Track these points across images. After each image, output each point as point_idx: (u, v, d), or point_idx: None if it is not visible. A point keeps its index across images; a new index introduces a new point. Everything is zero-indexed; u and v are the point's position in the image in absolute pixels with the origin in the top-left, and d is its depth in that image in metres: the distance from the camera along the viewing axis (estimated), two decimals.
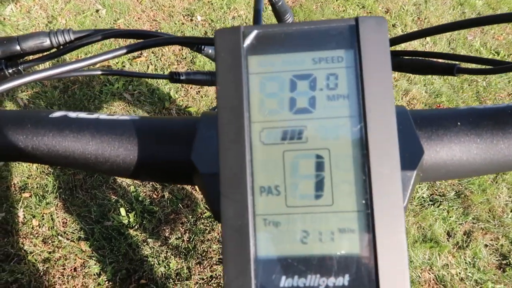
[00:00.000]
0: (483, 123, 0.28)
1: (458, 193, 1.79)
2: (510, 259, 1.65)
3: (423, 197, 1.75)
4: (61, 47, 0.38)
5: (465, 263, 1.62)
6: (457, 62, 0.32)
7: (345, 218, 0.23)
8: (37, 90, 1.75)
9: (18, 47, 0.36)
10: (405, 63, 0.34)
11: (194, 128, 0.28)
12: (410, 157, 0.25)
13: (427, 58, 0.33)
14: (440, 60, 0.34)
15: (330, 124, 0.24)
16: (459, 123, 0.28)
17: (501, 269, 1.64)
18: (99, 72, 0.38)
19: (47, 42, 0.37)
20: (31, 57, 0.39)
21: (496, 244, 1.69)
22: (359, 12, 2.40)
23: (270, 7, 0.74)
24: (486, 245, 1.68)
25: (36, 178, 1.59)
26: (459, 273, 1.60)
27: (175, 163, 0.29)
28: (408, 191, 0.25)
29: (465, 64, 0.34)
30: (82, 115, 0.31)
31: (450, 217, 1.71)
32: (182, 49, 1.99)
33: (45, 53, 0.39)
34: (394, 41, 0.32)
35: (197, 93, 1.87)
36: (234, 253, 0.23)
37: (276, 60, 0.25)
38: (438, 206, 1.73)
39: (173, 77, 0.42)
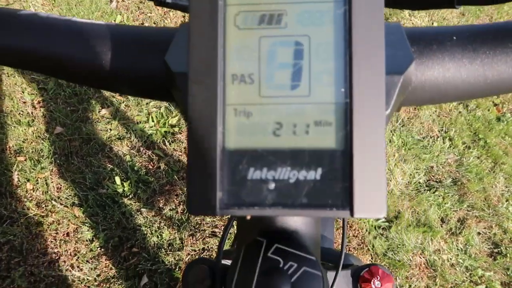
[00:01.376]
0: (481, 37, 0.26)
1: (455, 180, 1.79)
2: (501, 248, 1.66)
3: (419, 182, 1.75)
4: None
5: (457, 249, 1.63)
6: None
7: (321, 110, 0.22)
8: None
9: None
10: None
11: (172, 36, 0.26)
12: (398, 61, 0.24)
13: None
14: None
15: (312, 8, 0.22)
16: (454, 38, 0.26)
17: (492, 257, 1.65)
18: None
19: None
20: None
21: (489, 233, 1.70)
22: None
23: None
24: (479, 233, 1.68)
25: (31, 142, 1.58)
26: (450, 258, 1.60)
27: (151, 70, 0.27)
28: (393, 97, 0.23)
29: None
30: (54, 16, 0.29)
31: (445, 204, 1.71)
32: (185, 21, 1.95)
33: None
34: None
35: None
36: (199, 142, 0.21)
37: None
38: (434, 192, 1.73)
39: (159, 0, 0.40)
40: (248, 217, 0.24)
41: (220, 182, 0.21)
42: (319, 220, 0.32)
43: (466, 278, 1.57)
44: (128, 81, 0.28)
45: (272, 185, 0.21)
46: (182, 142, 1.66)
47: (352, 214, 0.21)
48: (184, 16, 1.94)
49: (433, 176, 1.79)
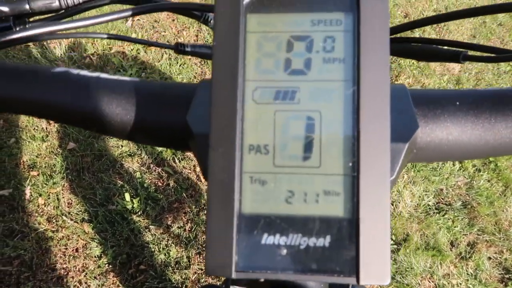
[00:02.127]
0: (482, 104, 0.28)
1: (465, 204, 1.77)
2: None
3: (428, 205, 1.73)
4: (69, 8, 0.38)
5: (467, 274, 1.60)
6: (463, 50, 0.32)
7: (331, 181, 0.23)
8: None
9: (27, 6, 0.37)
10: (413, 49, 0.34)
11: (192, 93, 0.28)
12: (403, 130, 0.25)
13: (434, 45, 0.33)
14: (446, 47, 0.34)
15: (323, 86, 0.24)
16: (457, 103, 0.28)
17: (503, 283, 1.62)
18: (105, 36, 0.39)
19: (55, 3, 0.37)
20: (39, 18, 0.39)
21: (500, 258, 1.67)
22: None
23: None
24: (489, 258, 1.66)
25: (45, 157, 1.61)
26: (460, 283, 1.58)
27: (172, 125, 0.29)
28: (398, 163, 0.25)
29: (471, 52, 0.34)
30: (84, 72, 0.31)
31: (454, 227, 1.69)
32: (197, 40, 1.99)
33: (53, 14, 0.39)
34: (399, 28, 0.32)
35: None
36: (218, 208, 0.23)
37: (275, 20, 0.25)
38: (443, 215, 1.71)
39: (178, 48, 0.43)
40: (261, 280, 0.25)
41: (236, 246, 0.23)
42: None
43: None
44: (150, 134, 0.30)
45: (284, 251, 0.23)
46: (192, 160, 1.68)
47: (358, 281, 0.22)
48: (196, 36, 1.98)
49: (442, 198, 1.77)
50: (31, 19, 0.38)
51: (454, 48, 0.33)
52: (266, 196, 0.23)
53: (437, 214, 1.71)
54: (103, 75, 0.31)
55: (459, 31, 2.39)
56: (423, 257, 1.59)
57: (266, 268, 0.23)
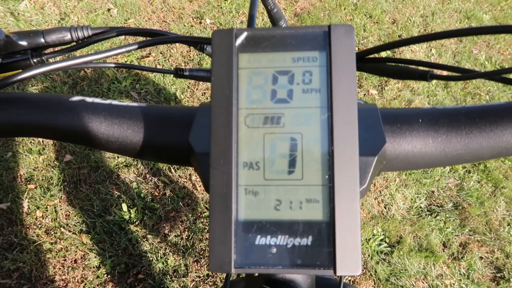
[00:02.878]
0: (440, 121, 0.32)
1: (456, 205, 1.81)
2: (504, 273, 1.66)
3: (420, 207, 1.77)
4: (80, 41, 0.43)
5: (460, 274, 1.64)
6: (430, 69, 0.36)
7: (311, 190, 0.28)
8: (47, 85, 1.80)
9: (42, 40, 0.41)
10: (387, 68, 0.38)
11: (193, 116, 0.33)
12: (373, 145, 0.30)
13: (405, 65, 0.37)
14: (415, 67, 0.38)
15: (303, 112, 0.29)
16: (420, 120, 0.32)
17: (495, 282, 1.65)
18: (112, 65, 0.43)
19: (68, 36, 0.41)
20: (52, 49, 0.43)
21: (492, 257, 1.70)
22: (366, 21, 2.43)
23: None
24: (481, 257, 1.69)
25: (42, 170, 1.63)
26: (453, 284, 1.61)
27: (175, 144, 0.34)
28: (368, 174, 0.29)
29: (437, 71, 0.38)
30: (97, 100, 0.36)
31: (446, 228, 1.73)
32: (190, 51, 2.03)
33: (66, 46, 0.43)
34: (374, 49, 0.36)
35: (202, 94, 1.90)
36: (219, 216, 0.27)
37: (262, 58, 0.30)
38: (435, 217, 1.75)
39: (178, 73, 0.47)
40: (256, 274, 0.29)
41: (235, 246, 0.27)
42: None
43: None
44: (156, 152, 0.35)
45: (274, 250, 0.27)
46: (187, 169, 1.71)
47: (335, 272, 0.27)
48: (189, 47, 2.02)
49: (434, 200, 1.81)
50: (46, 51, 0.42)
51: (423, 68, 0.37)
52: (258, 205, 0.28)
53: (429, 216, 1.75)
54: (115, 102, 0.36)
55: None
56: (416, 258, 1.63)
57: (260, 264, 0.27)
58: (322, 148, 0.28)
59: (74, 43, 0.43)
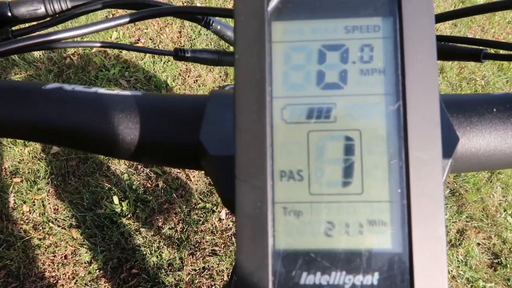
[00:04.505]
0: None
1: (453, 191, 1.80)
2: (501, 258, 1.66)
3: None
4: (57, 15, 0.35)
5: (457, 261, 1.63)
6: (483, 48, 0.30)
7: (376, 209, 0.21)
8: (31, 73, 1.71)
9: (9, 13, 0.33)
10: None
11: (202, 107, 0.26)
12: (444, 144, 0.23)
13: (451, 43, 0.31)
14: (464, 46, 0.32)
15: (362, 102, 0.21)
16: (494, 110, 0.26)
17: (493, 267, 1.65)
18: (98, 44, 0.35)
19: (41, 9, 0.34)
20: (22, 26, 0.36)
21: (489, 243, 1.70)
22: None
23: None
24: (478, 244, 1.69)
25: (27, 163, 1.56)
26: (451, 270, 1.60)
27: (181, 144, 0.27)
28: (443, 181, 0.22)
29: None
30: (79, 88, 0.28)
31: (444, 215, 1.71)
32: (181, 37, 1.95)
33: (39, 22, 0.35)
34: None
35: (194, 82, 1.84)
36: (250, 245, 0.20)
37: (303, 27, 0.22)
38: None
39: (178, 54, 0.40)
40: None
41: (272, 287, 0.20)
42: None
43: None
44: (157, 154, 0.28)
45: None
46: None
47: None
48: (180, 32, 1.94)
49: None
50: (13, 28, 0.35)
51: (473, 46, 0.31)
52: (303, 229, 0.21)
53: None
54: (101, 90, 0.28)
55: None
56: None
57: None
58: (391, 149, 0.21)
59: (49, 17, 0.35)
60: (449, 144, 0.23)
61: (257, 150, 0.21)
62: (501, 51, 0.30)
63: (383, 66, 0.21)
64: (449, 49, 0.31)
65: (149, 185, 1.59)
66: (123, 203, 1.52)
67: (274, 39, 0.22)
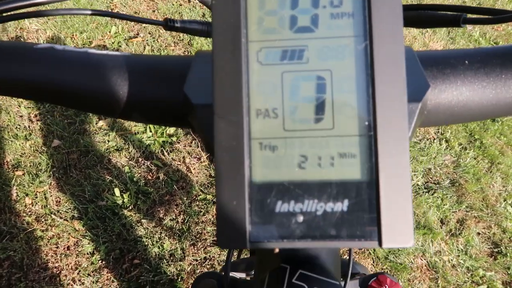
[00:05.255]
0: (492, 61, 0.27)
1: (453, 182, 1.80)
2: (501, 247, 1.66)
3: (417, 185, 1.76)
4: None
5: (457, 250, 1.64)
6: (462, 13, 0.31)
7: (346, 142, 0.22)
8: None
9: None
10: (411, 17, 0.33)
11: (188, 65, 0.27)
12: (415, 89, 0.24)
13: (430, 11, 0.32)
14: (443, 12, 0.33)
15: (333, 43, 0.23)
16: (466, 62, 0.27)
17: (493, 257, 1.65)
18: (89, 12, 0.35)
19: None
20: None
21: (489, 233, 1.70)
22: None
23: None
24: (478, 233, 1.69)
25: (29, 156, 1.57)
26: (451, 260, 1.61)
27: (169, 100, 0.28)
28: (412, 124, 0.24)
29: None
30: (70, 48, 0.29)
31: (444, 205, 1.72)
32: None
33: None
34: None
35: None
36: (228, 177, 0.22)
37: None
38: (432, 194, 1.74)
39: (168, 24, 0.40)
40: (277, 250, 0.24)
41: (249, 216, 0.22)
42: None
43: (468, 278, 1.57)
44: (145, 110, 0.28)
45: (300, 218, 0.22)
46: (180, 152, 1.66)
47: (380, 245, 0.21)
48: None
49: (431, 178, 1.80)
50: None
51: (452, 12, 0.32)
52: (278, 162, 0.22)
53: (427, 193, 1.74)
54: (92, 50, 0.29)
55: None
56: (414, 236, 1.62)
57: (282, 237, 0.22)
58: (359, 87, 0.22)
59: None
60: (419, 89, 0.24)
61: (234, 88, 0.22)
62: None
63: (351, 10, 0.23)
64: (429, 17, 0.32)
65: (150, 177, 1.60)
66: (124, 195, 1.53)
67: None
